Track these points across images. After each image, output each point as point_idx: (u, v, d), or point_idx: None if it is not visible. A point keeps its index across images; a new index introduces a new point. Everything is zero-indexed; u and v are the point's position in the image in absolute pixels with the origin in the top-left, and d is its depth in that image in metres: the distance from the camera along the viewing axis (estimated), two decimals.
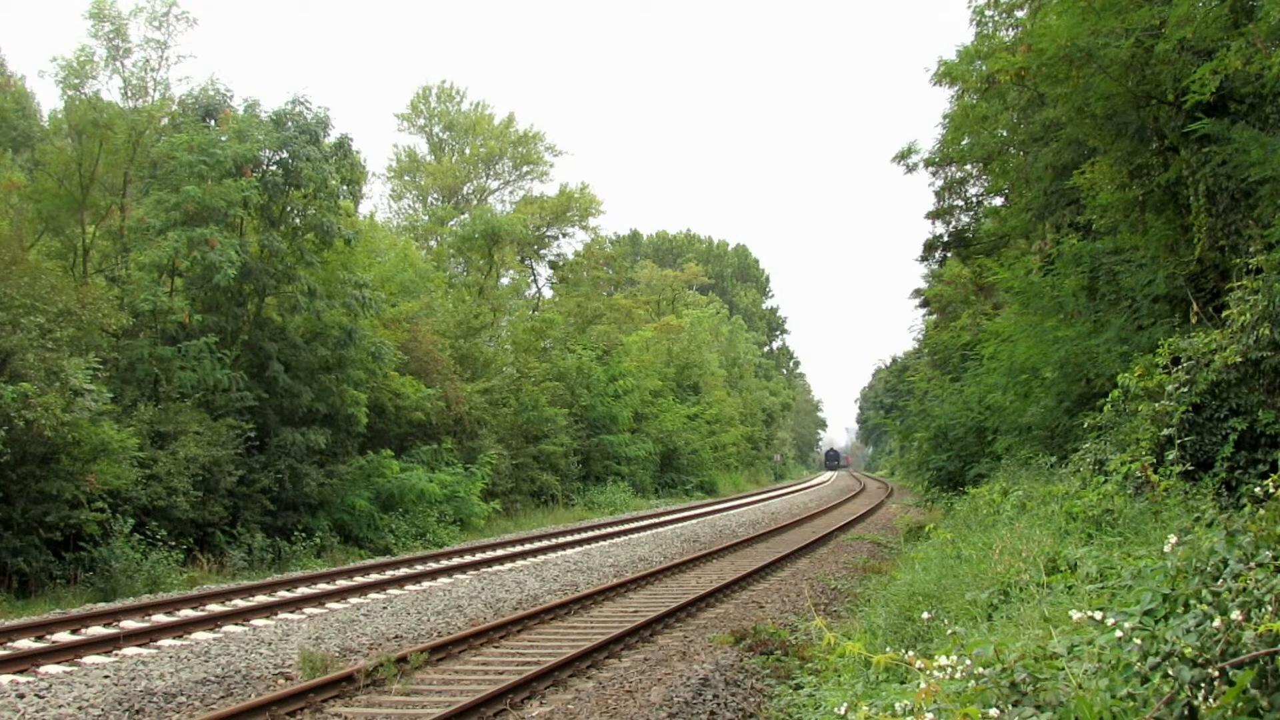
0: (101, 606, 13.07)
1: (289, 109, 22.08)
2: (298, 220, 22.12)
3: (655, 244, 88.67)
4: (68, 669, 9.69)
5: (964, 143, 21.00)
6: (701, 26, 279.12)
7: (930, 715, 3.32)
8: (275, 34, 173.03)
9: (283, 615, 12.83)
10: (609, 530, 25.38)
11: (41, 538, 14.96)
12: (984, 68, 17.44)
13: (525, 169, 53.86)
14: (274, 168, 21.53)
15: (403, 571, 16.82)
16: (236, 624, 12.20)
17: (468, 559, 18.70)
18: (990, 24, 19.88)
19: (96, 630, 11.44)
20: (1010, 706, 3.24)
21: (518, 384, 33.49)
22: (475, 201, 51.11)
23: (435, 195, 52.41)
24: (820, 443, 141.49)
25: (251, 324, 21.19)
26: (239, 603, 13.59)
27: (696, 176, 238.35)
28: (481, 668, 9.97)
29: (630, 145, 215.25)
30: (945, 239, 31.96)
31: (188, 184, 19.28)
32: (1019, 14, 19.38)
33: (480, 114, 53.46)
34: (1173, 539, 4.10)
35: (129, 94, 20.89)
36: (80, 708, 8.21)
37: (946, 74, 19.29)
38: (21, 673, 9.53)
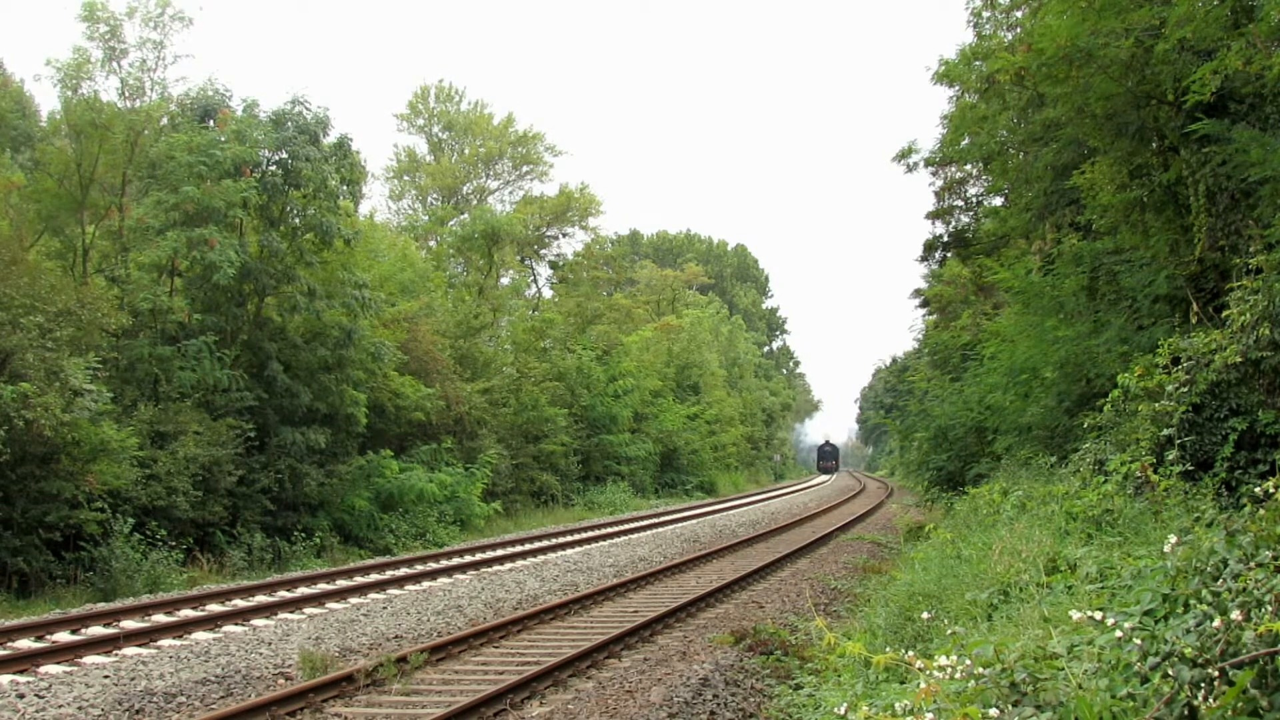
0: (101, 606, 13.07)
1: (288, 109, 22.07)
2: (297, 220, 22.11)
3: (655, 244, 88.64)
4: (68, 669, 9.69)
5: (964, 143, 20.97)
6: (701, 27, 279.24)
7: (930, 715, 3.32)
8: (275, 34, 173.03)
9: (283, 615, 12.83)
10: (609, 530, 25.38)
11: (41, 538, 14.96)
12: (984, 68, 17.43)
13: (525, 169, 53.89)
14: (273, 168, 21.52)
15: (403, 571, 16.82)
16: (236, 624, 12.20)
17: (468, 559, 18.70)
18: (988, 25, 19.90)
19: (96, 630, 11.44)
20: (1010, 706, 3.24)
21: (518, 384, 33.47)
22: (475, 201, 51.11)
23: (435, 195, 52.41)
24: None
25: (251, 324, 21.19)
26: (239, 603, 13.59)
27: (696, 176, 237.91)
28: (481, 668, 9.98)
29: (630, 145, 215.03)
30: (945, 239, 31.97)
31: (186, 184, 19.28)
32: (1017, 14, 19.39)
33: (479, 114, 53.47)
34: (1173, 539, 4.09)
35: (126, 94, 20.88)
36: (80, 708, 8.21)
37: (946, 74, 19.28)
38: (21, 673, 9.53)
